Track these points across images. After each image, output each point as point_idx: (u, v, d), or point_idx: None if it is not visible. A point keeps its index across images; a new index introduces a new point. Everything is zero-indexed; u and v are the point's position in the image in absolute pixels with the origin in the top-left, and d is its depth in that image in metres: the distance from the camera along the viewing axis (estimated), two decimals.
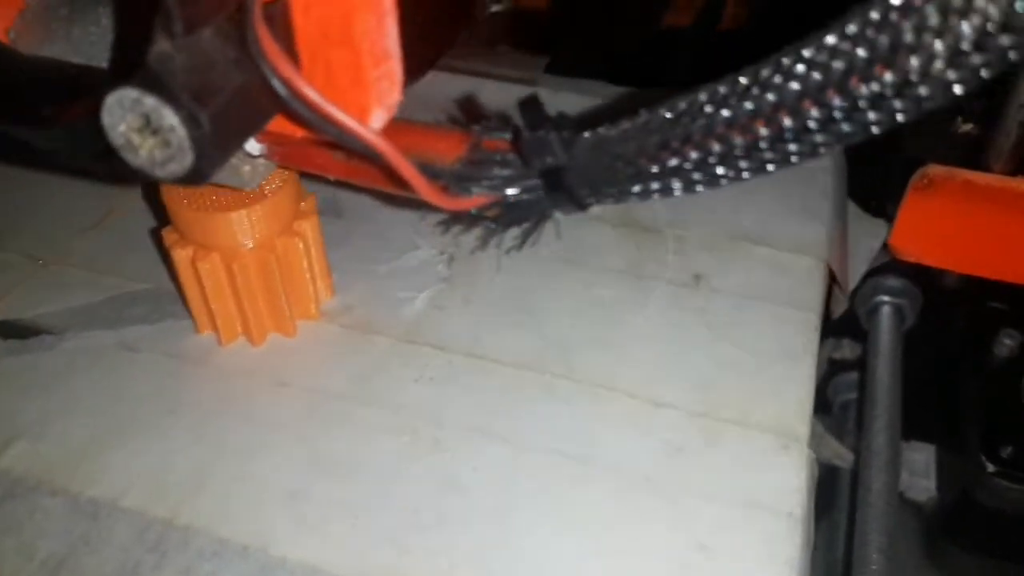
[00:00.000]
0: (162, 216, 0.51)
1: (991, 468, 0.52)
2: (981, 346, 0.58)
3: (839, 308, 0.53)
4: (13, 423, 0.40)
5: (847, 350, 0.63)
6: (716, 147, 0.26)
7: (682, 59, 0.85)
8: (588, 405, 0.40)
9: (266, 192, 0.40)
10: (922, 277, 0.58)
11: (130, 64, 0.26)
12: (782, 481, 0.37)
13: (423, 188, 0.30)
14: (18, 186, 0.55)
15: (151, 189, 0.52)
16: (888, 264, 0.57)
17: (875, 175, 0.58)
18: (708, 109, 0.26)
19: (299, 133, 0.32)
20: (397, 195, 0.36)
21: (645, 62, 0.81)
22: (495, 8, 0.70)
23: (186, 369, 0.42)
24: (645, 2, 0.91)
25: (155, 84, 0.25)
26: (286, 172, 0.41)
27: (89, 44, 0.36)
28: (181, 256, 0.41)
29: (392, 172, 0.32)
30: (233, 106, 0.27)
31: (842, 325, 0.57)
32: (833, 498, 0.53)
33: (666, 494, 0.37)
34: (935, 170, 0.52)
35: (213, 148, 0.26)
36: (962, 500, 0.55)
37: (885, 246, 0.58)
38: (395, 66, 0.31)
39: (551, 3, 0.87)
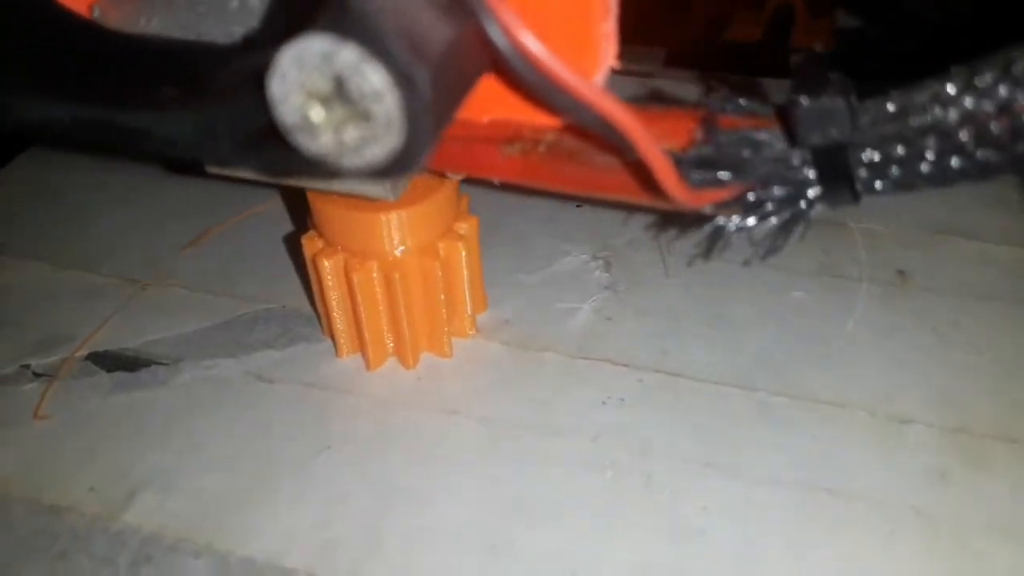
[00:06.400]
0: (268, 232, 0.45)
1: None
2: None
3: None
4: (133, 472, 0.34)
5: None
6: None
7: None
8: (820, 426, 0.34)
9: (428, 188, 0.34)
10: None
11: (297, 18, 0.20)
12: None
13: (670, 179, 0.24)
14: (104, 206, 0.48)
15: (285, 192, 0.46)
16: None
17: None
18: None
19: (485, 118, 0.26)
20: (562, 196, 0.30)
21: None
22: None
23: (334, 399, 0.36)
24: (707, 15, 0.87)
25: (358, 28, 0.18)
26: None
27: (197, 16, 0.29)
28: (329, 266, 0.34)
29: (599, 166, 0.26)
30: (447, 66, 0.20)
31: None
32: None
33: (943, 530, 0.30)
34: None
35: (429, 122, 0.20)
36: None
37: None
38: (614, 24, 0.25)
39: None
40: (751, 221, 0.26)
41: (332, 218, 0.34)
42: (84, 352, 0.39)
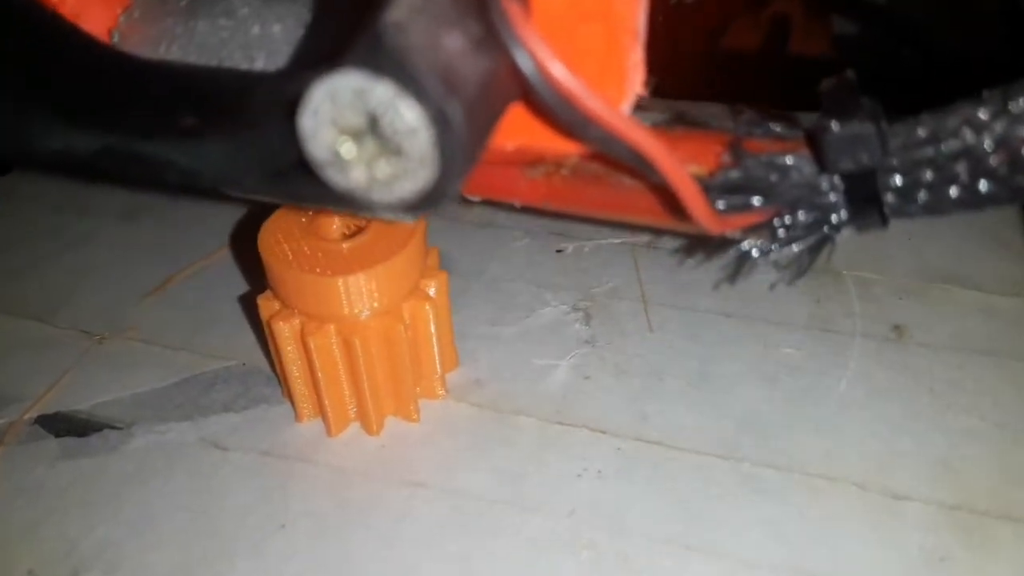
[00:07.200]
0: (236, 278, 0.44)
1: None
2: None
3: None
4: (77, 549, 0.32)
5: None
6: None
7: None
8: (808, 502, 0.32)
9: (391, 247, 0.32)
10: None
11: (331, 49, 0.19)
12: None
13: (698, 206, 0.23)
14: (61, 249, 0.47)
15: (235, 244, 0.45)
16: None
17: None
18: None
19: (511, 145, 0.25)
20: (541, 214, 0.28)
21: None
22: None
23: (292, 469, 0.34)
24: (705, 24, 0.85)
25: (392, 65, 0.18)
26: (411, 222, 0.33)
27: (220, 42, 0.28)
28: (285, 330, 0.32)
29: (624, 188, 0.25)
30: (480, 100, 0.19)
31: None
32: None
33: None
34: None
35: (462, 157, 0.19)
36: None
37: None
38: (642, 52, 0.24)
39: None
40: (777, 245, 0.25)
41: (287, 280, 0.32)
42: (33, 415, 0.37)
